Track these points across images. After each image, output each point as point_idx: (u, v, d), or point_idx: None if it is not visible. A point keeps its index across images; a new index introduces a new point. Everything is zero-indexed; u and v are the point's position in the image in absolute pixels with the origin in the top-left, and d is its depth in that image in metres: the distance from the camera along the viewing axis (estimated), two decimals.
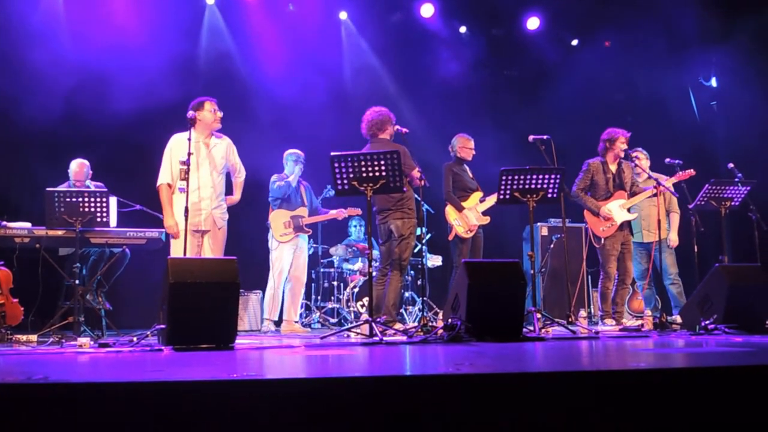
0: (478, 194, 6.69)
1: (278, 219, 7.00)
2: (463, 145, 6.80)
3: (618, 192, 6.72)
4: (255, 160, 6.86)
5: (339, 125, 8.07)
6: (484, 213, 6.62)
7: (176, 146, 5.62)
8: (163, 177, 5.61)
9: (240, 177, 6.01)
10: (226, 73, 8.61)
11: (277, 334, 6.63)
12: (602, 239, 6.70)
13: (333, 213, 7.39)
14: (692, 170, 6.64)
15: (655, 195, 6.52)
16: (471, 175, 6.83)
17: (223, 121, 5.76)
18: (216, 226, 5.66)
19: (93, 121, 7.34)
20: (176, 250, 5.45)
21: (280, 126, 8.30)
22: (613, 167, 6.77)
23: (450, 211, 6.64)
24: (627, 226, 6.74)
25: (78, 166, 6.51)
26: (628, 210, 6.71)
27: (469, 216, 6.58)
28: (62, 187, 6.26)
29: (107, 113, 7.37)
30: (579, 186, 6.76)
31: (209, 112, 5.65)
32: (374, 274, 5.59)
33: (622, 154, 6.73)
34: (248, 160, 6.16)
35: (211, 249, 5.61)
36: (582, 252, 7.81)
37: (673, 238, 7.23)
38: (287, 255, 6.97)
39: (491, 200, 6.56)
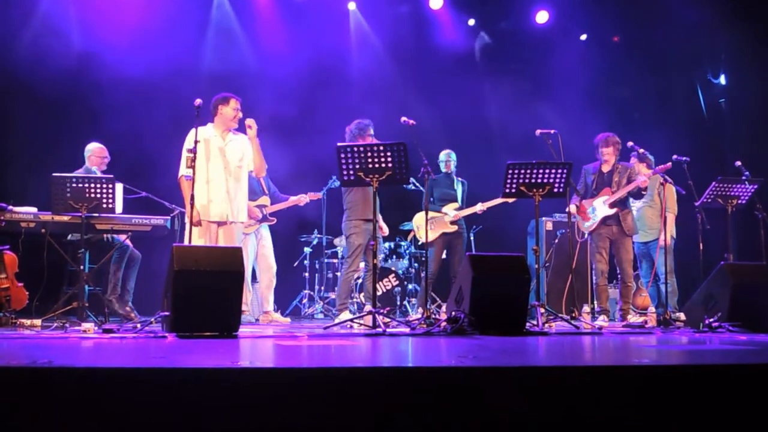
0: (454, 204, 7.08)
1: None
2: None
3: (604, 189, 6.64)
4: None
5: (345, 116, 8.04)
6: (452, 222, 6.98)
7: (191, 139, 5.55)
8: (182, 169, 5.61)
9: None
10: (233, 64, 8.57)
11: (257, 324, 6.52)
12: (586, 234, 6.71)
13: (293, 199, 7.08)
14: (669, 164, 6.51)
15: (642, 191, 6.47)
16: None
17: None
18: (227, 221, 5.65)
19: (99, 108, 7.33)
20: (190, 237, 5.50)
21: (285, 117, 8.26)
22: (605, 168, 6.72)
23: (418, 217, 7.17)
24: (616, 222, 6.54)
25: (99, 150, 6.40)
26: (613, 205, 6.58)
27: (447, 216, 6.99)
28: (79, 172, 6.23)
29: (114, 99, 7.36)
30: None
31: (232, 110, 5.67)
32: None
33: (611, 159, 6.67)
34: None
35: (224, 241, 5.62)
36: (585, 247, 7.76)
37: (662, 239, 6.94)
38: (251, 246, 6.76)
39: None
